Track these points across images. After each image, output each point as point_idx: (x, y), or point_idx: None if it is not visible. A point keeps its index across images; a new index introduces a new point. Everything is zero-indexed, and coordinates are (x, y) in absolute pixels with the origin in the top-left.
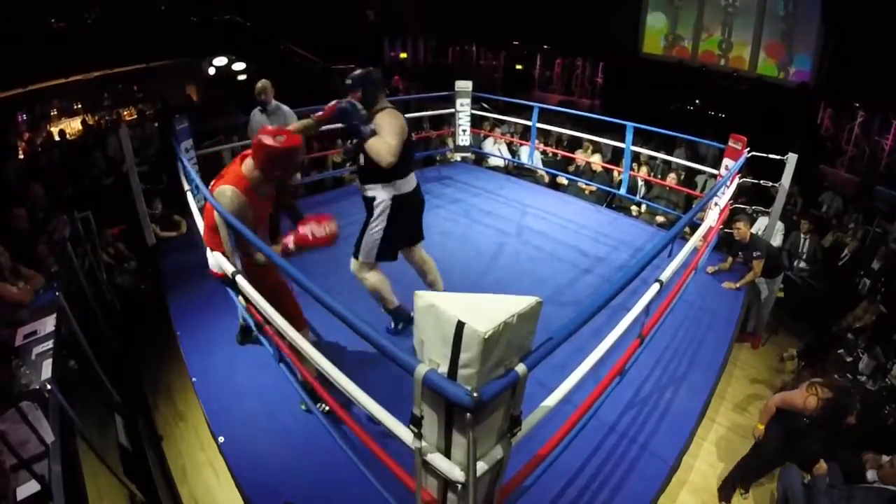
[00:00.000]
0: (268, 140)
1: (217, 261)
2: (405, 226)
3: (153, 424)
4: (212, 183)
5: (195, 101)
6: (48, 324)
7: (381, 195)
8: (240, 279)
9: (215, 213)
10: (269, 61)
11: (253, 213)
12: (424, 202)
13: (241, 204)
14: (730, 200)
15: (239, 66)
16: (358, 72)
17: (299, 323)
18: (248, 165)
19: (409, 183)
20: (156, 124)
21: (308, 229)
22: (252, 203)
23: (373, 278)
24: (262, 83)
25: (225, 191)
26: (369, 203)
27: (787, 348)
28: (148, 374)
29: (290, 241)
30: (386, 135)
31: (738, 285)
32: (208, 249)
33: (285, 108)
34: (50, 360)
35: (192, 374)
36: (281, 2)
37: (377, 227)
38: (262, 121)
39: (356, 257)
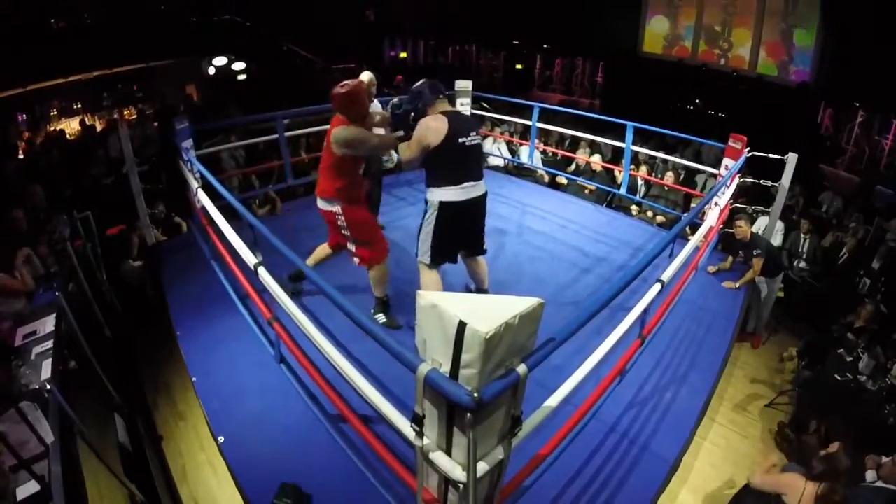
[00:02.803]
0: (337, 89)
1: (325, 204)
2: (456, 232)
3: (153, 424)
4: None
5: (195, 101)
6: (48, 324)
7: (431, 198)
8: (261, 270)
9: (333, 147)
10: (269, 61)
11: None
12: (483, 214)
13: (356, 130)
14: (730, 200)
15: (239, 66)
16: (410, 90)
17: (380, 254)
18: (339, 117)
19: (463, 192)
20: (155, 124)
21: None
22: None
23: (426, 278)
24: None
25: (343, 128)
26: (425, 204)
27: (787, 348)
28: (148, 374)
29: None
30: (410, 141)
31: (738, 284)
32: (319, 199)
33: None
34: (50, 360)
35: (192, 373)
36: (281, 2)
37: (425, 228)
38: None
39: (416, 255)
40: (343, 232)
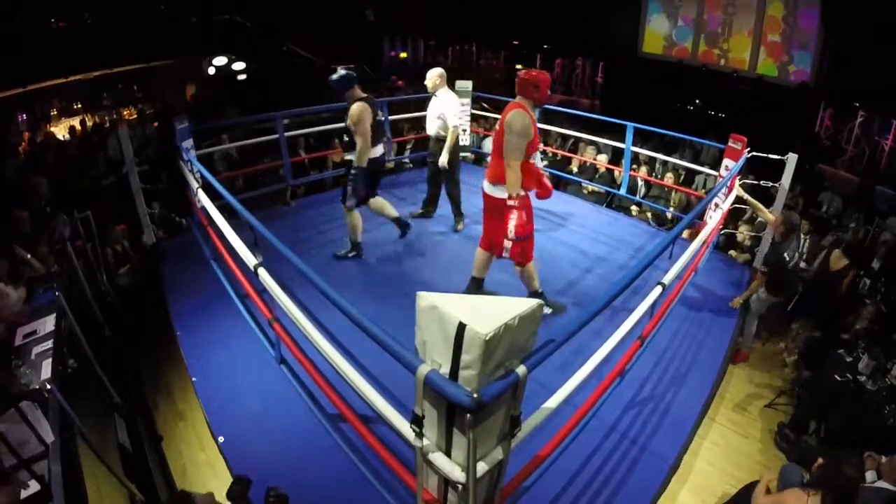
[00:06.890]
0: (523, 73)
1: (493, 189)
2: (372, 182)
3: (153, 424)
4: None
5: (194, 101)
6: (48, 324)
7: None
8: (262, 271)
9: (506, 134)
10: (269, 61)
11: (534, 131)
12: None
13: (528, 122)
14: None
15: (239, 66)
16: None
17: (530, 253)
18: (518, 99)
19: (377, 151)
20: (155, 124)
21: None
22: (532, 122)
23: (355, 219)
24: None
25: (516, 113)
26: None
27: (788, 348)
28: (148, 374)
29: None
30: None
31: (741, 299)
32: (486, 182)
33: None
34: (50, 360)
35: (192, 374)
36: (281, 2)
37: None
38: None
39: (343, 203)
40: (509, 223)
